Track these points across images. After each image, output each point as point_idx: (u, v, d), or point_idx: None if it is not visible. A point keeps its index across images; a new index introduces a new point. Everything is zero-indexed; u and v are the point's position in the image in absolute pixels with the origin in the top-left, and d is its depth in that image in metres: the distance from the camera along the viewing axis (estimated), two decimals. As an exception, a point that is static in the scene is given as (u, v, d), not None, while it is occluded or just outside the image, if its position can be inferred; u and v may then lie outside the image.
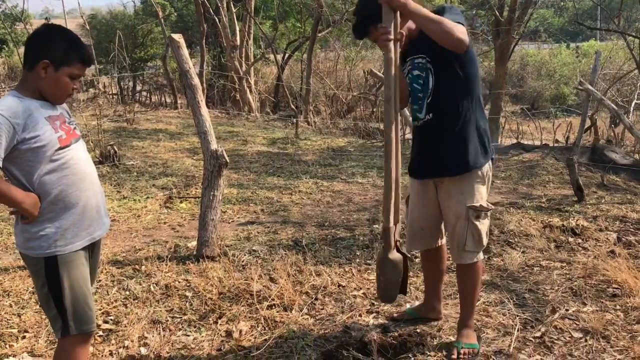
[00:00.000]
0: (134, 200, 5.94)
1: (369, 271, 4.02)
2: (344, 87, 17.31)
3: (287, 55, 18.73)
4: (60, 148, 2.15)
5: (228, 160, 4.24)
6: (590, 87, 6.28)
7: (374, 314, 3.36)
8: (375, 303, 3.51)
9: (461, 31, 2.52)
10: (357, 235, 4.75)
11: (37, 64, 2.13)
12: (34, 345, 3.00)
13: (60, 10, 16.38)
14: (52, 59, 2.13)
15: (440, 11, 2.63)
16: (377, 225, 4.94)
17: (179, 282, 3.77)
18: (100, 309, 3.35)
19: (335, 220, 5.32)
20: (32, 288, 3.53)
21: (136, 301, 3.50)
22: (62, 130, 2.18)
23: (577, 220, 5.08)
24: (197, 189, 6.30)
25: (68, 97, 2.25)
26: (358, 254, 4.35)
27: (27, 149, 2.07)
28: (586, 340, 3.03)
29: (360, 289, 3.73)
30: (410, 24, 2.75)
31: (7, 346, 3.00)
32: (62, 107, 2.29)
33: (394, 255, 2.73)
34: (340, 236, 4.77)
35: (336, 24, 16.58)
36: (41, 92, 2.17)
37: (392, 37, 2.55)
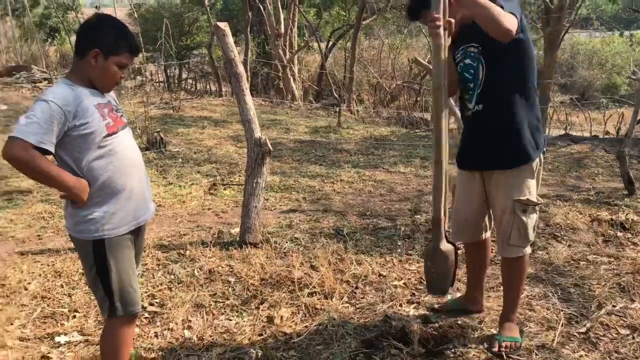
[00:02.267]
0: (179, 186, 6.06)
1: (410, 261, 4.00)
2: (387, 76, 17.19)
3: (330, 43, 18.69)
4: (108, 135, 2.21)
5: (271, 149, 4.27)
6: (644, 76, 6.05)
7: (415, 305, 3.34)
8: (416, 293, 3.49)
9: (510, 22, 2.44)
10: (398, 225, 4.72)
11: (87, 52, 2.19)
12: (84, 324, 3.11)
13: (110, -1, 16.74)
14: (102, 48, 2.19)
15: None
16: (419, 216, 4.91)
17: (222, 267, 3.84)
18: (145, 292, 3.44)
19: (376, 209, 5.30)
20: (82, 270, 3.64)
21: (180, 285, 3.58)
22: (109, 118, 2.24)
23: (626, 215, 4.93)
24: (240, 176, 6.38)
25: (116, 85, 2.32)
26: (399, 244, 4.33)
27: (76, 135, 2.13)
28: (633, 338, 2.94)
29: (401, 279, 3.72)
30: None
31: (59, 324, 3.12)
32: (109, 95, 2.35)
33: (446, 246, 2.69)
34: (382, 226, 4.75)
35: (381, 11, 16.44)
36: (91, 80, 2.24)
37: (441, 24, 2.49)
